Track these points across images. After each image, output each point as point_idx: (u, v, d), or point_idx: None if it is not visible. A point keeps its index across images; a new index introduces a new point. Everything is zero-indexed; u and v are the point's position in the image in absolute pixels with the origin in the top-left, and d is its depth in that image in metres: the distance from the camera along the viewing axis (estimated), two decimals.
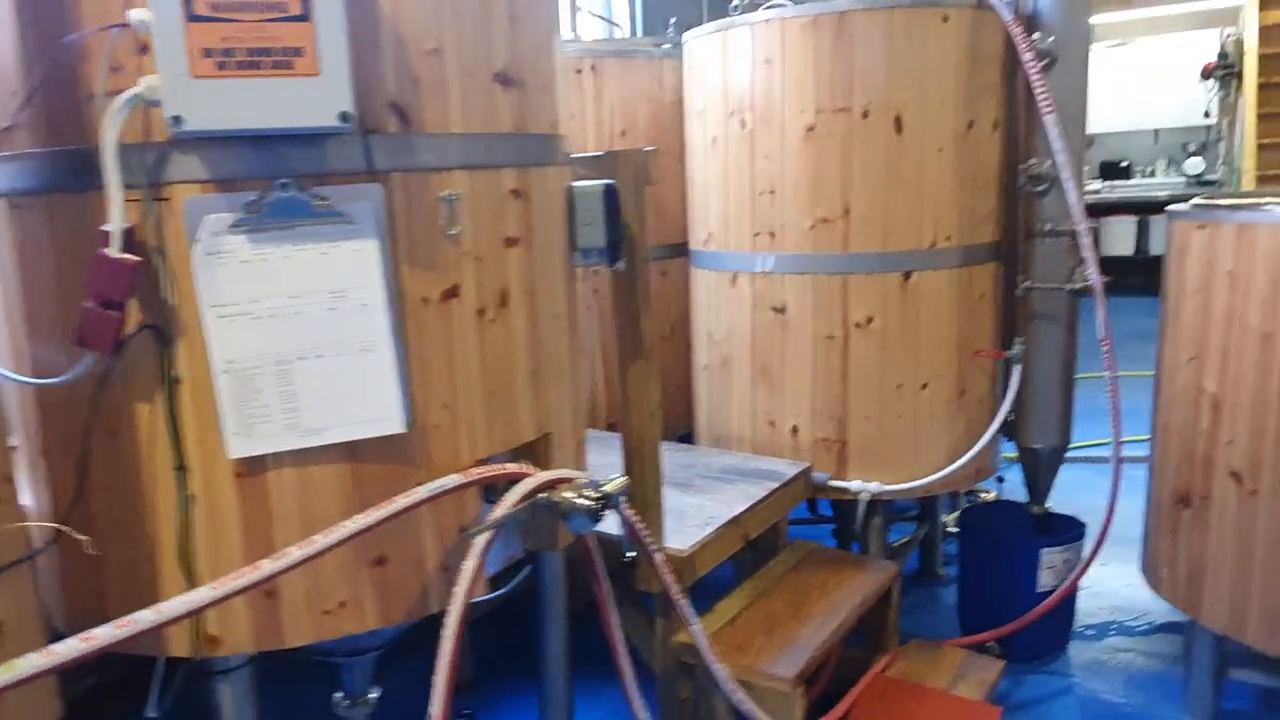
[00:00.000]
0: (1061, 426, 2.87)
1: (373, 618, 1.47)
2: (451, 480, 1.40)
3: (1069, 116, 2.69)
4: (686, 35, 3.00)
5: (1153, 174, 9.47)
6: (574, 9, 3.63)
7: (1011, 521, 3.02)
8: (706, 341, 3.05)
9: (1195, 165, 8.72)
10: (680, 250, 3.32)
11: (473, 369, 1.50)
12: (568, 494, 1.47)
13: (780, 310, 2.77)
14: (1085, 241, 2.62)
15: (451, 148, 1.44)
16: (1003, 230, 2.81)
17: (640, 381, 2.11)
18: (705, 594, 2.44)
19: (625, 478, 1.58)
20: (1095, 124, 9.55)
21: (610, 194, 1.77)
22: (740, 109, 2.75)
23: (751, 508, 2.48)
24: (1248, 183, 6.58)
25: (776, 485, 2.59)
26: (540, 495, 1.51)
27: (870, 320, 2.68)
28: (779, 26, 2.62)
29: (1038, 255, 2.76)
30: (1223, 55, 7.48)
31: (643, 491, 2.18)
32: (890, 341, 2.69)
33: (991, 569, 2.95)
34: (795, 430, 2.81)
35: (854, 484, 2.75)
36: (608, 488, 1.51)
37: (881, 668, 2.55)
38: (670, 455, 2.93)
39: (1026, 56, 2.55)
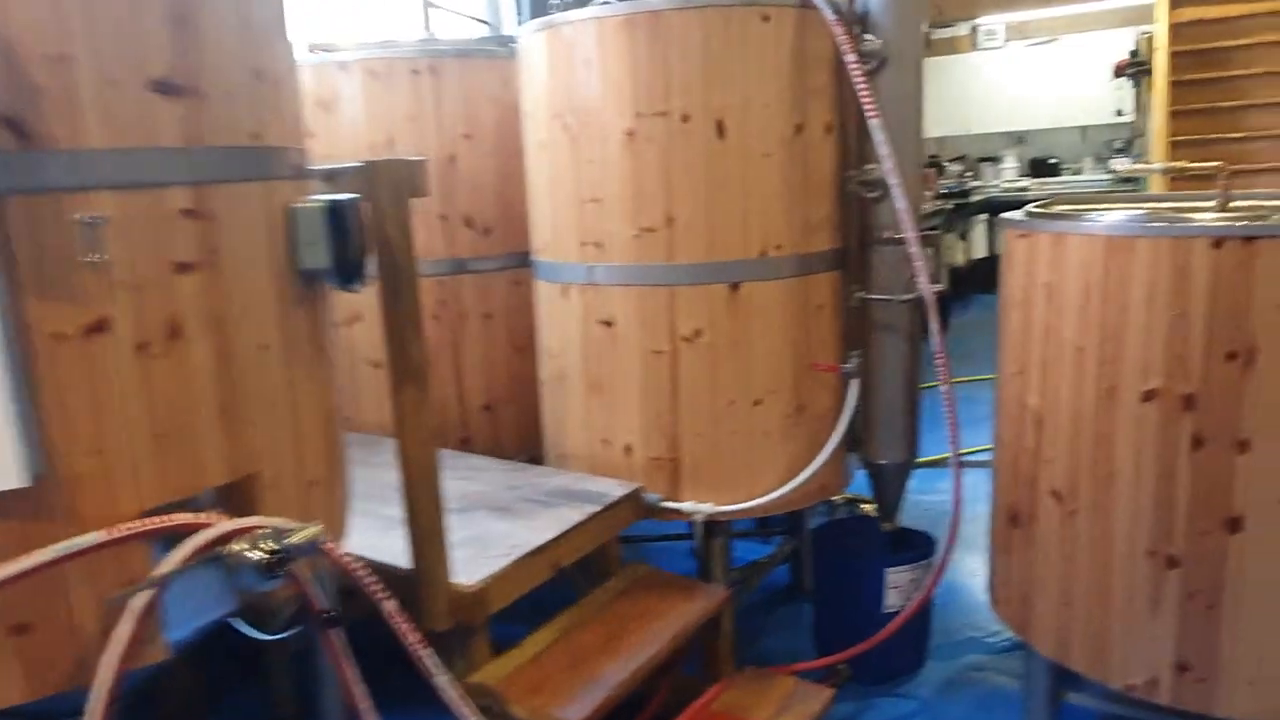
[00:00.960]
0: (906, 441, 2.77)
1: (17, 690, 1.31)
2: (89, 539, 1.26)
3: (901, 121, 2.58)
4: (518, 33, 2.86)
5: (1080, 171, 9.48)
6: (427, 5, 3.47)
7: (861, 539, 2.92)
8: (546, 355, 2.92)
9: (1120, 163, 8.74)
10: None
11: (134, 410, 1.35)
12: (239, 546, 1.33)
13: (609, 324, 2.63)
14: (914, 251, 2.51)
15: (92, 165, 1.28)
16: (842, 238, 2.70)
17: (413, 408, 1.97)
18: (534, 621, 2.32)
19: (319, 525, 1.44)
20: (1024, 121, 9.57)
21: (336, 211, 1.62)
22: (563, 112, 2.61)
23: (564, 534, 2.35)
24: (1158, 181, 6.56)
25: (597, 509, 2.46)
26: (221, 548, 1.37)
27: (699, 334, 2.56)
28: (595, 26, 2.48)
29: (875, 264, 2.66)
30: (1134, 53, 7.48)
31: (422, 523, 2.04)
32: (721, 356, 2.57)
33: (840, 589, 2.85)
34: (629, 449, 2.68)
35: (687, 505, 2.63)
36: (294, 538, 1.36)
37: (707, 700, 2.43)
38: (502, 475, 2.80)
39: (849, 58, 2.44)
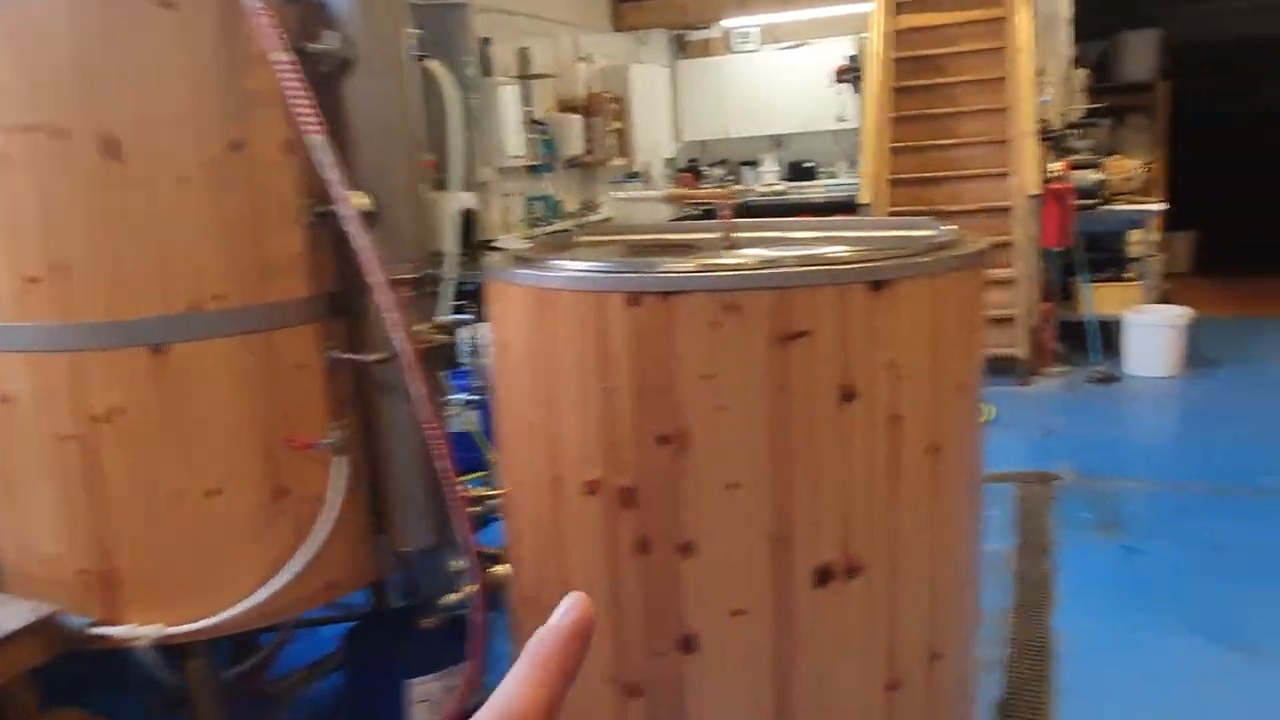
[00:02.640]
0: (433, 523, 2.29)
1: None
2: None
3: (383, 135, 2.11)
4: None
5: (834, 175, 9.52)
6: None
7: (395, 640, 2.43)
8: None
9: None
10: None
11: None
12: None
13: (4, 401, 2.02)
14: (384, 300, 2.03)
15: None
16: (329, 281, 2.19)
17: None
18: None
19: None
20: (779, 125, 9.49)
21: None
22: None
23: None
24: (878, 189, 6.52)
25: None
26: None
27: (120, 411, 1.98)
28: None
29: (370, 313, 2.17)
30: (853, 58, 7.48)
31: None
32: (153, 437, 2.00)
33: (359, 707, 2.34)
34: (51, 559, 2.08)
35: (123, 630, 2.05)
36: None
37: None
38: None
39: (278, 57, 1.92)
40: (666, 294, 1.48)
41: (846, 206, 7.03)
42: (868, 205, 6.08)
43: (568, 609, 0.39)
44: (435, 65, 2.52)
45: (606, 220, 7.45)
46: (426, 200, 2.27)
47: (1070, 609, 3.19)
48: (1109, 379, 5.78)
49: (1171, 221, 8.88)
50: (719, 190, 2.09)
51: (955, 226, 1.80)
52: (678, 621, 1.58)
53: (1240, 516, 3.91)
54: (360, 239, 2.00)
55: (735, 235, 1.92)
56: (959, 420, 1.67)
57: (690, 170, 9.13)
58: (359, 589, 2.41)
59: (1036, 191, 5.67)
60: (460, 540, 2.15)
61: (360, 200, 2.13)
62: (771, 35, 9.49)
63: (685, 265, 1.53)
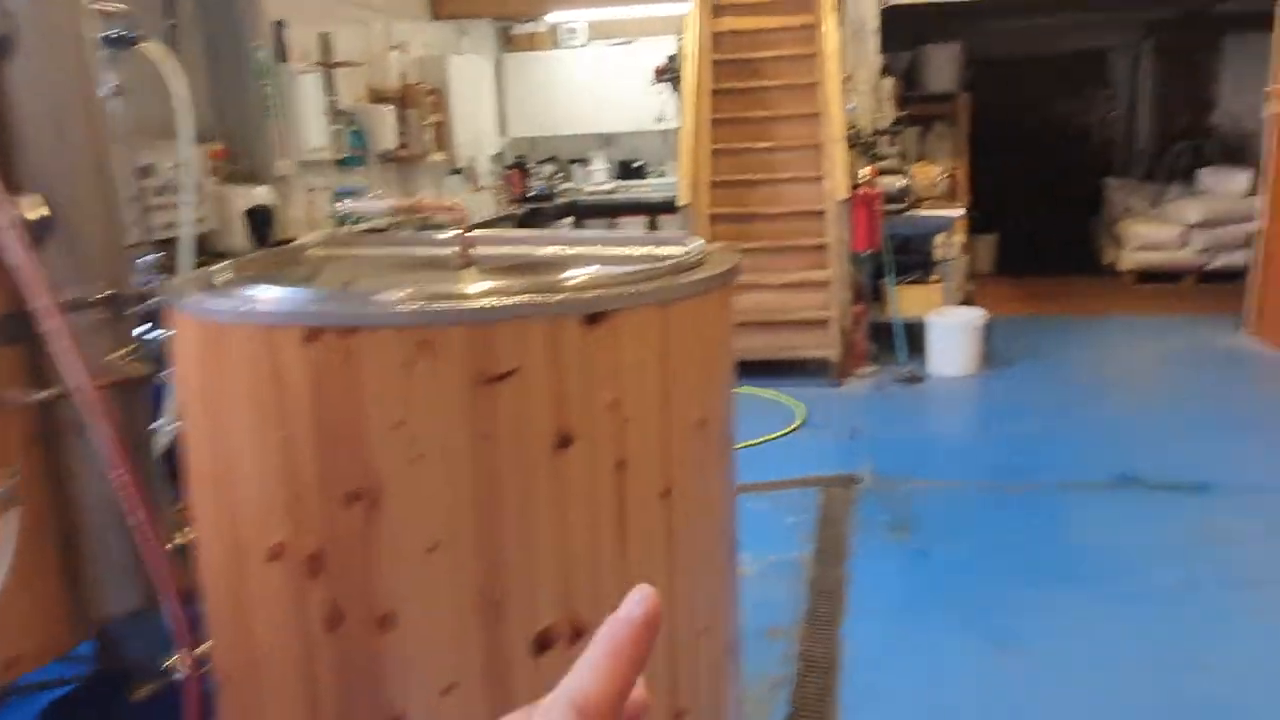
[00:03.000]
0: (136, 583, 1.99)
1: None
2: None
3: (50, 129, 1.78)
4: None
5: (664, 174, 9.51)
6: None
7: (104, 715, 2.10)
8: None
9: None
10: None
11: None
12: None
13: None
14: (53, 327, 1.71)
15: None
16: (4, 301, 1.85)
17: None
18: None
19: None
20: (607, 123, 9.39)
21: None
22: None
23: None
24: (697, 191, 6.51)
25: None
26: None
27: None
28: None
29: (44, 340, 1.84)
30: (673, 58, 7.47)
31: None
32: None
33: None
34: None
35: None
36: None
37: None
38: None
39: None
40: (348, 330, 1.27)
41: (673, 207, 7.00)
42: (687, 207, 6.03)
43: (639, 600, 0.37)
44: (152, 47, 2.18)
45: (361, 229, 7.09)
46: (115, 205, 1.93)
47: (859, 616, 3.21)
48: (914, 379, 5.99)
49: (975, 225, 9.43)
50: (448, 204, 1.85)
51: (706, 242, 1.67)
52: (382, 702, 1.38)
53: (1024, 511, 4.09)
54: (16, 253, 1.67)
55: (476, 253, 1.72)
56: (701, 459, 1.55)
57: (517, 167, 8.88)
58: (51, 662, 2.06)
59: (845, 196, 5.78)
60: (163, 602, 1.85)
61: (33, 206, 1.80)
62: (600, 31, 9.37)
63: (372, 295, 1.32)
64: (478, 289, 1.32)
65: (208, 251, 5.38)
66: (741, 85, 7.01)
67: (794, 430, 5.20)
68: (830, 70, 6.33)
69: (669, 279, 1.45)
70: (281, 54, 5.72)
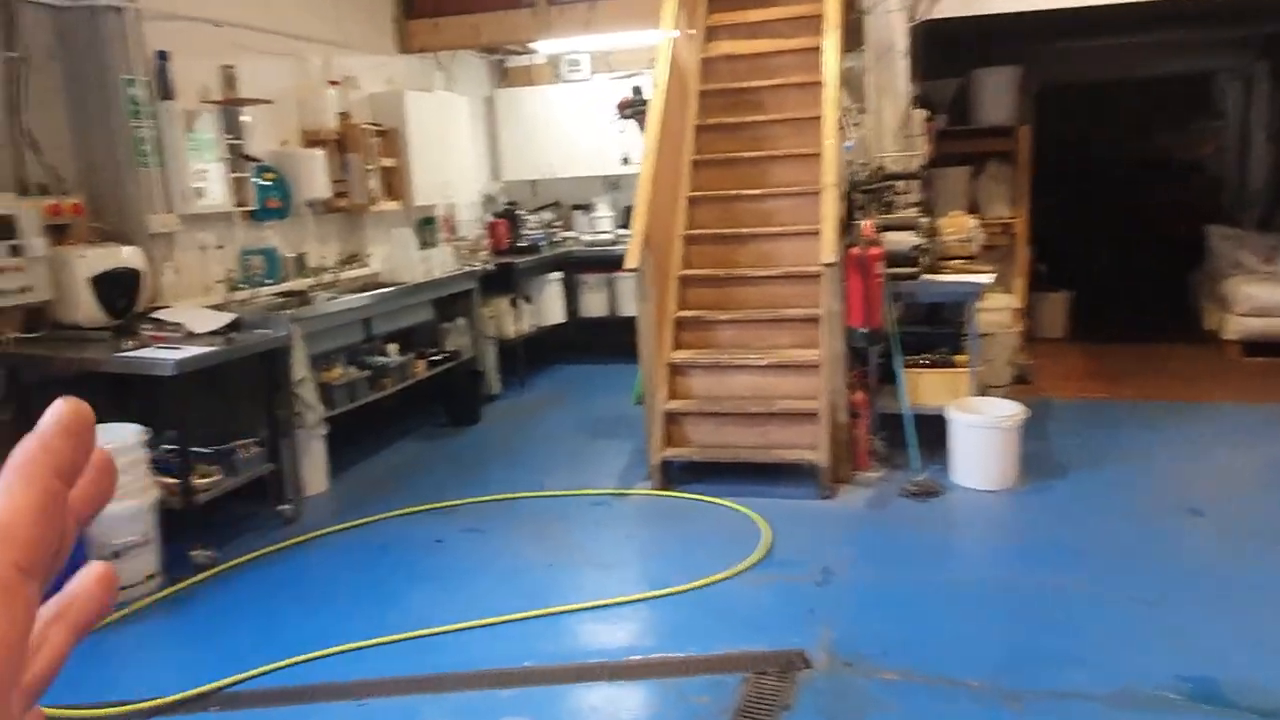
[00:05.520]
0: None
1: None
2: None
3: None
4: None
5: None
6: None
7: None
8: None
9: None
10: None
11: None
12: None
13: None
14: None
15: None
16: None
17: None
18: None
19: None
20: (617, 165, 8.19)
21: None
22: None
23: None
24: (669, 250, 5.34)
25: None
26: None
27: None
28: None
29: None
30: (638, 89, 6.35)
31: None
32: None
33: None
34: None
35: None
36: None
37: None
38: None
39: None
40: None
41: None
42: (636, 272, 4.87)
43: (52, 409, 0.35)
44: None
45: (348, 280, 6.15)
46: None
47: None
48: (928, 491, 4.63)
49: (1040, 282, 7.91)
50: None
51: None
52: None
53: None
54: None
55: None
56: None
57: (505, 216, 7.89)
58: None
59: (830, 259, 4.52)
60: None
61: None
62: (604, 64, 8.37)
63: None
64: None
65: (46, 324, 4.55)
66: (733, 120, 5.84)
67: (743, 569, 3.93)
68: (828, 99, 5.10)
69: None
70: (164, 90, 4.88)
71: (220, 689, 3.16)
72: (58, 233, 4.52)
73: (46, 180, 4.53)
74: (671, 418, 5.05)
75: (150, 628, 3.70)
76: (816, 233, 5.07)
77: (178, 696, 3.11)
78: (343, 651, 3.37)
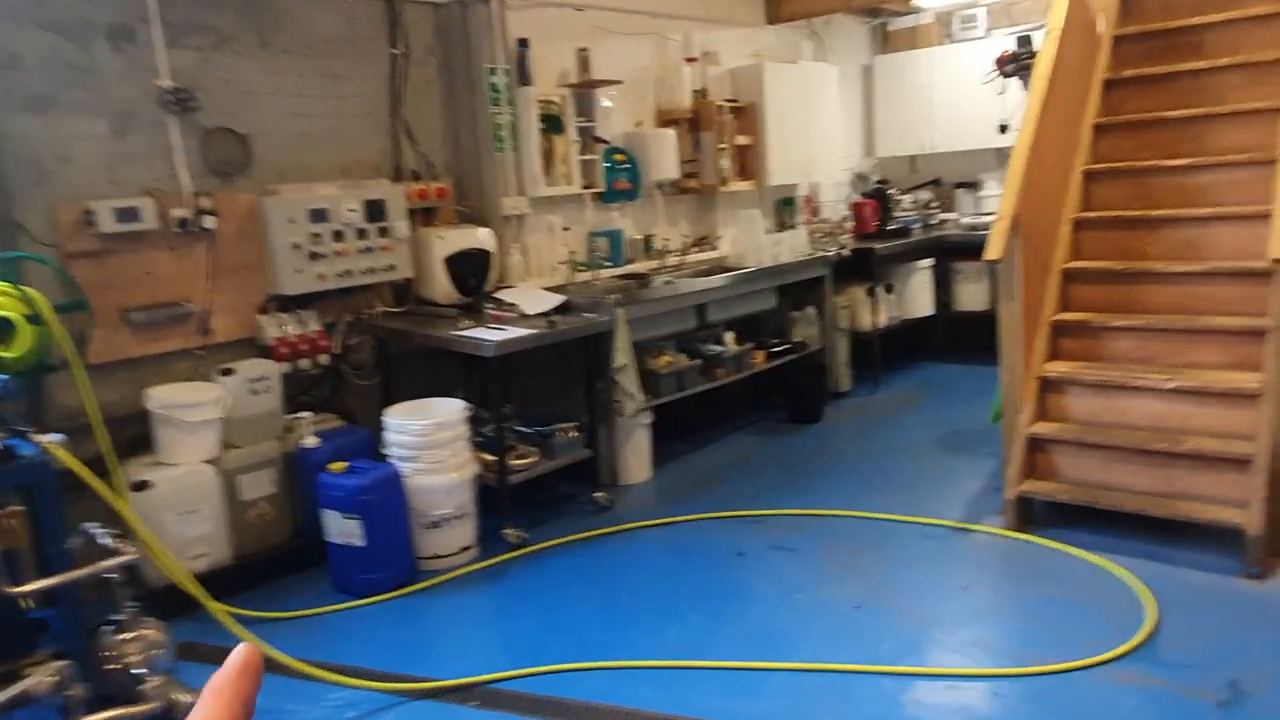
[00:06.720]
0: None
1: None
2: None
3: None
4: None
5: None
6: None
7: None
8: None
9: None
10: None
11: None
12: None
13: None
14: None
15: None
16: None
17: None
18: None
19: None
20: (1012, 137, 7.11)
21: None
22: None
23: None
24: (1053, 239, 4.32)
25: None
26: None
27: None
28: None
29: None
30: (1024, 41, 5.15)
31: None
32: None
33: None
34: None
35: None
36: None
37: None
38: None
39: None
40: None
41: None
42: (997, 263, 3.99)
43: (236, 651, 0.48)
44: None
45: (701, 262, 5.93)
46: None
47: None
48: None
49: None
50: None
51: None
52: None
53: None
54: None
55: None
56: None
57: (874, 195, 7.19)
58: None
59: None
60: None
61: None
62: (1005, 16, 7.22)
63: None
64: None
65: (410, 299, 4.91)
66: (1157, 70, 4.58)
67: (1111, 658, 2.99)
68: None
69: None
70: (522, 76, 5.03)
71: (484, 683, 3.09)
72: (427, 215, 4.88)
73: (418, 167, 4.89)
74: (1037, 444, 4.10)
75: (451, 602, 3.81)
76: (1267, 216, 3.75)
77: (450, 683, 3.10)
78: (604, 668, 3.14)
